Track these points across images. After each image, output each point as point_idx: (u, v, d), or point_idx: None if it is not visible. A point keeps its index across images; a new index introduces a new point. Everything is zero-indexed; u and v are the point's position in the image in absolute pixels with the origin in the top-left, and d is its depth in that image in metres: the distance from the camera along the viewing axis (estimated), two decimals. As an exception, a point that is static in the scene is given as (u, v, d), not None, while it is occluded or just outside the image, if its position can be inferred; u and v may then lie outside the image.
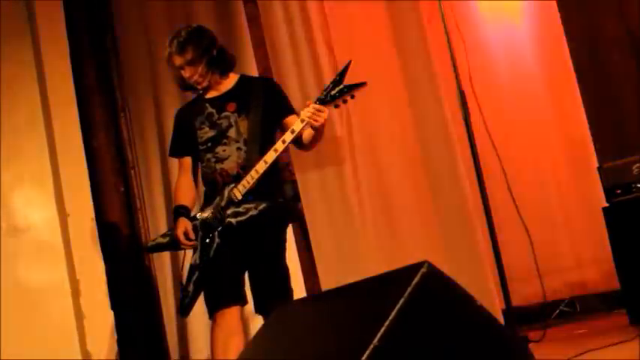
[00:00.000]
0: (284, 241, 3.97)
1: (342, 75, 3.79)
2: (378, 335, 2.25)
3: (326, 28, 5.12)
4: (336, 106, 3.87)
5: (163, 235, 4.09)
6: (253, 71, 5.16)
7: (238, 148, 3.92)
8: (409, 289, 2.35)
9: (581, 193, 4.83)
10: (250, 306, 3.92)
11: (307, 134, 3.92)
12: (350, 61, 3.82)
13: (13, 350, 4.67)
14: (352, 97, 3.81)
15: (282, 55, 5.14)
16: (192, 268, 3.88)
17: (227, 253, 3.83)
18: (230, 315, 3.80)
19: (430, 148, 4.89)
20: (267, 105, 3.99)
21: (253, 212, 3.83)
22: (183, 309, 3.90)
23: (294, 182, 5.26)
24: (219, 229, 3.83)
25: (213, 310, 3.83)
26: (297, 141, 3.93)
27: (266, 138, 3.92)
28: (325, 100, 3.78)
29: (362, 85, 3.79)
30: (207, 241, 3.84)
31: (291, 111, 4.05)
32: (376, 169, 5.08)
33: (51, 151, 5.01)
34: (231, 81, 4.08)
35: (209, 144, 3.98)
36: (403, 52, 4.97)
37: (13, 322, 4.74)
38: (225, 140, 3.95)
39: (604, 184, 4.15)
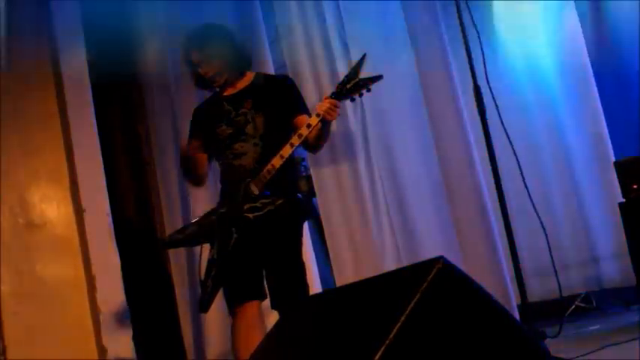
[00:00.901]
0: (300, 236, 3.94)
1: (357, 68, 3.74)
2: (393, 331, 2.25)
3: (340, 24, 5.12)
4: (352, 100, 3.83)
5: (180, 231, 4.08)
6: (269, 68, 5.15)
7: (255, 144, 3.90)
8: (424, 285, 2.34)
9: (597, 189, 4.81)
10: (267, 301, 3.91)
11: (313, 134, 3.82)
12: (365, 54, 3.75)
13: (29, 345, 4.69)
14: (368, 90, 3.75)
15: (297, 51, 5.13)
16: (210, 263, 3.87)
17: (245, 247, 3.81)
18: (250, 309, 3.79)
19: (445, 143, 4.88)
20: (280, 102, 3.98)
21: (270, 207, 3.82)
22: (203, 305, 3.88)
23: (309, 177, 5.27)
24: (237, 223, 3.83)
25: (233, 306, 3.82)
26: (304, 141, 3.83)
27: (282, 133, 3.90)
28: (341, 94, 3.73)
29: (378, 78, 3.73)
30: (225, 235, 3.83)
31: (301, 110, 3.99)
32: (391, 164, 5.08)
33: (67, 147, 5.02)
34: (247, 78, 4.06)
35: (227, 141, 3.97)
36: (418, 46, 4.97)
37: (29, 318, 4.75)
38: (242, 137, 3.93)
39: (620, 179, 4.12)
